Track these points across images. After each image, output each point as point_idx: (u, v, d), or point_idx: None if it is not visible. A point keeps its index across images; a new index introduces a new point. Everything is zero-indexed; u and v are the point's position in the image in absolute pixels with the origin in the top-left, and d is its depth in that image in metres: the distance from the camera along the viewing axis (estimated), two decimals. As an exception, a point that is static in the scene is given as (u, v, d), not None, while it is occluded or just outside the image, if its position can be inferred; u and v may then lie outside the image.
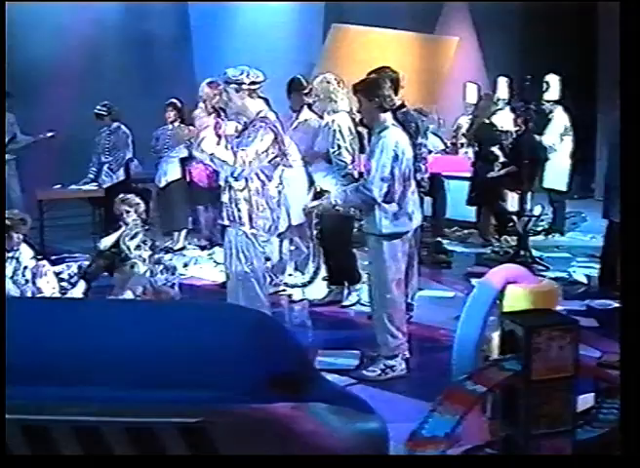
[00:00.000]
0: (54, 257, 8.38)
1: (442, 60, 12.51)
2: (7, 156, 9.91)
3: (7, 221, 7.29)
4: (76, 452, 2.68)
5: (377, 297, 5.62)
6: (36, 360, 2.77)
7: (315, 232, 7.56)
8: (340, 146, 7.05)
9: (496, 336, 4.37)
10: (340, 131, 7.04)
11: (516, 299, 4.39)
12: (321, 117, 7.50)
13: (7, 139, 9.83)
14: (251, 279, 5.62)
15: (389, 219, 5.46)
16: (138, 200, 7.16)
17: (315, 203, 6.20)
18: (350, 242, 7.56)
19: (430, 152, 8.26)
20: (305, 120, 7.49)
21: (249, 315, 3.06)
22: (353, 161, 7.15)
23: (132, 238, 7.05)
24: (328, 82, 7.23)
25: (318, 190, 7.19)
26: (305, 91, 7.73)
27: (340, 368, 5.65)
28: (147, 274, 6.84)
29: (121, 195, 7.28)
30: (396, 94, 6.52)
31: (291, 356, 2.90)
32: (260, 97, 5.83)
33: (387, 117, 5.58)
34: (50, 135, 9.92)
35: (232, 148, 5.56)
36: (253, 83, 5.60)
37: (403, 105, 6.67)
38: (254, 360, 2.76)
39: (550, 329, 3.09)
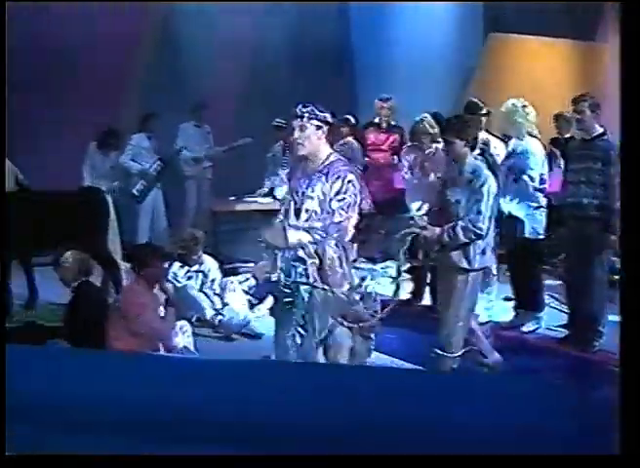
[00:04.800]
0: (227, 266, 8.62)
1: (596, 69, 12.30)
2: (204, 165, 10.26)
3: (181, 243, 7.78)
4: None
5: (450, 325, 5.74)
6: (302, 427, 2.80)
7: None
8: (533, 169, 7.12)
9: None
10: (532, 153, 7.13)
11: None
12: (502, 140, 7.57)
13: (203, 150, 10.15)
14: None
15: (479, 254, 5.68)
16: None
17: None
18: (538, 266, 7.57)
19: None
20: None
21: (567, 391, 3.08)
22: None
23: None
24: (514, 105, 7.26)
25: (507, 214, 7.18)
26: (483, 112, 7.75)
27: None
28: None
29: None
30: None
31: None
32: None
33: None
34: (246, 141, 9.98)
35: None
36: None
37: None
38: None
39: None
